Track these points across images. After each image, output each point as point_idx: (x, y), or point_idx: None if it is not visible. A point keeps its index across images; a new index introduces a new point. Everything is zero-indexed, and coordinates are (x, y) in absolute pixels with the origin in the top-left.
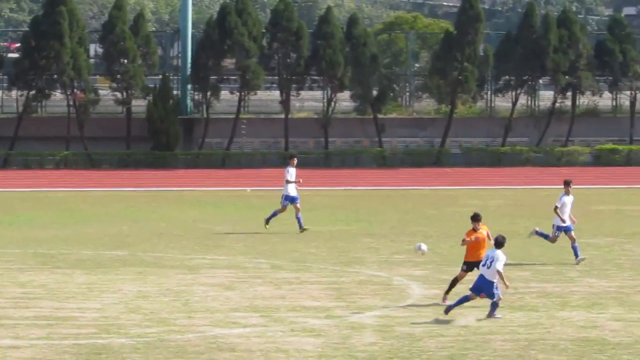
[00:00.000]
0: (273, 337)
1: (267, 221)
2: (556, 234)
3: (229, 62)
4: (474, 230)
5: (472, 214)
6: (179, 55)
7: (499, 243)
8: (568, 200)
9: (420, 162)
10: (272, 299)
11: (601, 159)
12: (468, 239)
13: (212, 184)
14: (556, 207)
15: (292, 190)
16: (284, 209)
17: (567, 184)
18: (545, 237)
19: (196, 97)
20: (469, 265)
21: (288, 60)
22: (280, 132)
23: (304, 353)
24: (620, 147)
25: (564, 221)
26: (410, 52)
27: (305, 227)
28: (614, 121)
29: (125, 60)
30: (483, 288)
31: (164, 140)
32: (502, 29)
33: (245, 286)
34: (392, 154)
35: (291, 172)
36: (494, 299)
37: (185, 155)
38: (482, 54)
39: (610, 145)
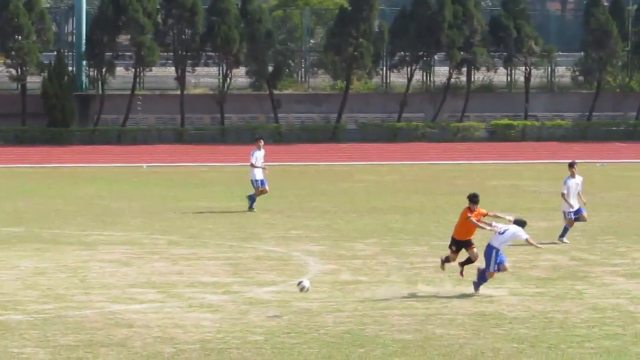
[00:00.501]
0: (171, 313)
1: (251, 208)
2: (572, 217)
3: (123, 39)
4: (470, 210)
5: (471, 194)
6: (74, 31)
7: (521, 222)
8: (573, 183)
9: (316, 138)
10: (169, 275)
11: (496, 135)
12: (476, 219)
13: (108, 160)
14: (563, 194)
15: (258, 174)
16: (258, 191)
17: (571, 165)
18: (565, 230)
19: (91, 73)
20: (458, 245)
21: (183, 36)
22: (176, 108)
23: (201, 329)
24: (515, 123)
25: (571, 205)
26: (305, 28)
27: (254, 209)
28: (509, 97)
29: (20, 37)
30: (486, 253)
31: (59, 116)
32: (397, 5)
33: (143, 262)
34: (288, 130)
35: (256, 156)
36: (487, 269)
37: (80, 132)
38: (377, 30)
39: (505, 121)
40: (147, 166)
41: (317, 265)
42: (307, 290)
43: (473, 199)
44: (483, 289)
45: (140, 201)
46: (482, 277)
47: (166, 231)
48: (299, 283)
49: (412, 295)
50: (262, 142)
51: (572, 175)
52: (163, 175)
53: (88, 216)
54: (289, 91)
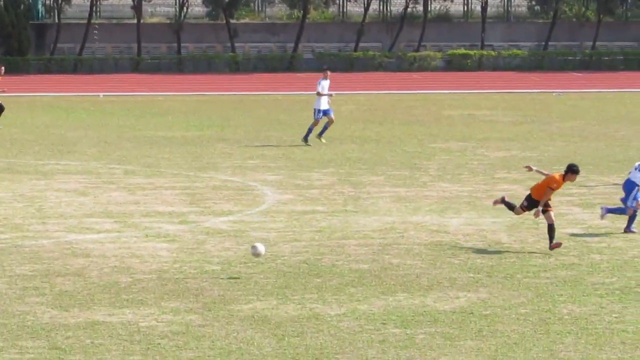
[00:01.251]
0: (127, 243)
1: (306, 139)
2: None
3: None
4: (563, 180)
5: (576, 167)
6: None
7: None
8: None
9: (272, 68)
10: (126, 205)
11: (453, 64)
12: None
13: (65, 89)
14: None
15: (323, 103)
16: (316, 122)
17: None
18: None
19: (47, 2)
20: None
21: None
22: (133, 37)
23: (158, 258)
24: (471, 52)
25: None
26: None
27: (310, 143)
28: (466, 26)
29: None
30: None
31: (15, 45)
32: None
33: (99, 192)
34: (245, 60)
35: (323, 85)
36: (626, 204)
37: (37, 61)
38: None
39: (461, 51)
40: (104, 95)
41: (274, 195)
42: (260, 254)
43: (575, 170)
44: (439, 218)
45: (97, 130)
46: (621, 212)
47: (123, 160)
48: (255, 250)
49: (369, 225)
50: (329, 72)
51: None
52: (120, 104)
53: (44, 145)
54: (246, 20)
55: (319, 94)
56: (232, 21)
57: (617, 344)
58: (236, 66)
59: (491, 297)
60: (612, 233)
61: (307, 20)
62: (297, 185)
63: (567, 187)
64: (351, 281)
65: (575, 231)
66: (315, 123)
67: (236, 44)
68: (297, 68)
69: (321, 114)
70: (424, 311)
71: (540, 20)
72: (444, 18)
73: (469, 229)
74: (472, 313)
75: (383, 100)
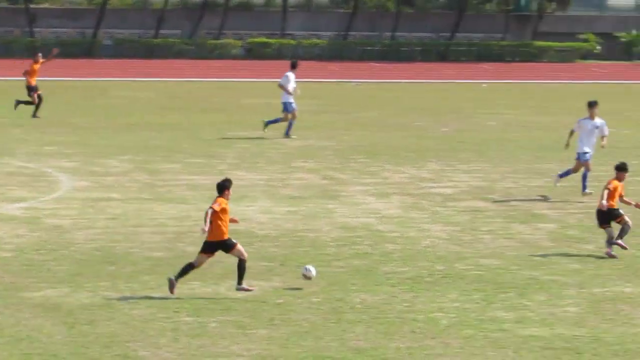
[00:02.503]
0: None
1: (266, 126)
2: (586, 159)
3: None
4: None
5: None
6: None
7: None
8: (590, 124)
9: (71, 53)
10: None
11: (253, 52)
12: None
13: None
14: (572, 132)
15: (291, 96)
16: (294, 114)
17: (591, 105)
18: (567, 173)
19: None
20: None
21: None
22: None
23: None
24: (271, 41)
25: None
26: None
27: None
28: (267, 15)
29: None
30: None
31: None
32: None
33: None
34: (44, 45)
35: (289, 77)
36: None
37: None
38: None
39: (262, 39)
40: None
41: (69, 181)
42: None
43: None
44: (234, 207)
45: None
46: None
47: None
48: (307, 272)
49: (164, 213)
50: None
51: (592, 117)
52: None
53: None
54: (46, 5)
55: (282, 87)
56: (32, 6)
57: (407, 332)
58: (35, 51)
59: (284, 285)
60: (406, 223)
61: (107, 7)
62: (93, 172)
63: (362, 177)
64: (145, 269)
65: (369, 221)
66: (293, 115)
67: (35, 29)
68: (96, 54)
69: (292, 106)
70: (217, 300)
71: (341, 10)
72: (245, 6)
73: (263, 217)
74: (265, 302)
75: (182, 88)
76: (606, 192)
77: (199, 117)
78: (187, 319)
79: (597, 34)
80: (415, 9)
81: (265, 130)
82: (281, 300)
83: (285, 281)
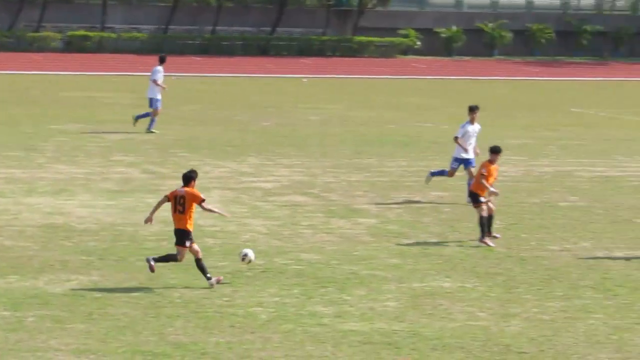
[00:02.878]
0: None
1: (136, 121)
2: (454, 166)
3: None
4: (491, 163)
5: (494, 147)
6: None
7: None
8: (472, 129)
9: None
10: None
11: (73, 45)
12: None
13: None
14: (456, 138)
15: (159, 92)
16: (156, 111)
17: (472, 110)
18: (442, 173)
19: None
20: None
21: None
22: None
23: None
24: (91, 34)
25: (466, 151)
26: None
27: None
28: (87, 8)
29: None
30: None
31: None
32: None
33: None
34: None
35: (161, 73)
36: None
37: None
38: None
39: (81, 32)
40: None
41: None
42: (250, 260)
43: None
44: (53, 201)
45: None
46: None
47: None
48: (245, 256)
49: None
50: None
51: (472, 122)
52: None
53: None
54: None
55: (155, 82)
56: None
57: (227, 327)
58: None
59: (103, 280)
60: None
61: None
62: None
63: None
64: None
65: None
66: (156, 112)
67: None
68: None
69: (158, 102)
70: (35, 294)
71: (162, 4)
72: None
73: (82, 212)
74: (83, 296)
75: (1, 81)
76: (482, 177)
77: (16, 110)
78: (5, 313)
79: (417, 30)
80: (236, 3)
81: (135, 124)
82: (100, 295)
83: (104, 275)
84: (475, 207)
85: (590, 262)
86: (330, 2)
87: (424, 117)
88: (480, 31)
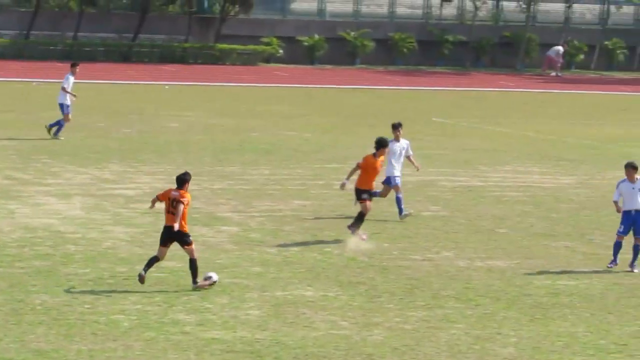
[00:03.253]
0: None
1: (49, 130)
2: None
3: None
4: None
5: (380, 139)
6: None
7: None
8: (397, 147)
9: None
10: None
11: None
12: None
13: None
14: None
15: (69, 98)
16: (67, 117)
17: (395, 127)
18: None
19: None
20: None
21: None
22: None
23: None
24: None
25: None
26: None
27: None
28: None
29: None
30: None
31: None
32: None
33: None
34: None
35: (71, 81)
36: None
37: None
38: None
39: None
40: None
41: None
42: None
43: (384, 144)
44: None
45: None
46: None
47: None
48: (209, 278)
49: None
50: (78, 69)
51: (397, 139)
52: None
53: None
54: None
55: (64, 90)
56: None
57: (89, 334)
58: None
59: None
60: (88, 224)
61: None
62: None
63: (44, 177)
64: None
65: (51, 222)
66: (67, 118)
67: None
68: None
69: (69, 109)
70: None
71: (23, 9)
72: None
73: None
74: None
75: None
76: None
77: None
78: None
79: (279, 38)
80: (97, 9)
81: (51, 134)
82: None
83: None
84: (360, 202)
85: (452, 272)
86: (193, 10)
87: (286, 125)
88: (342, 40)
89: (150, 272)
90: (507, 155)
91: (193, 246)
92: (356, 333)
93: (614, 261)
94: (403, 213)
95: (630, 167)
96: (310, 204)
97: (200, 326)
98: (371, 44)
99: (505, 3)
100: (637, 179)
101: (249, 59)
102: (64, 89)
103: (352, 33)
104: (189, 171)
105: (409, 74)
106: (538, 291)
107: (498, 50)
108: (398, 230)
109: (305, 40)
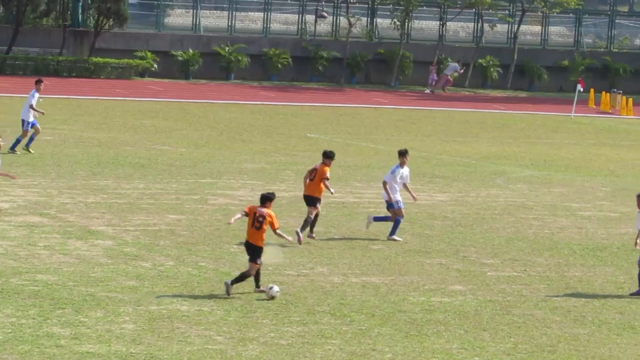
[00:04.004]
0: None
1: (13, 149)
2: (400, 206)
3: None
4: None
5: (328, 151)
6: None
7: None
8: (403, 173)
9: None
10: None
11: None
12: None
13: None
14: (385, 182)
15: (32, 114)
16: (25, 133)
17: (402, 154)
18: (386, 219)
19: None
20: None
21: None
22: None
23: None
24: None
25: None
26: None
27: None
28: None
29: None
30: None
31: None
32: None
33: None
34: None
35: (37, 97)
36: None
37: None
38: None
39: None
40: None
41: None
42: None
43: (330, 155)
44: None
45: None
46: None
47: None
48: (271, 289)
49: None
50: (42, 86)
51: (402, 165)
52: None
53: None
54: None
55: (32, 107)
56: None
57: None
58: None
59: None
60: None
61: None
62: None
63: None
64: None
65: None
66: (24, 134)
67: None
68: None
69: (29, 125)
70: None
71: None
72: None
73: None
74: None
75: None
76: (327, 182)
77: None
78: None
79: (154, 52)
80: None
81: (30, 149)
82: None
83: None
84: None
85: (327, 288)
86: (67, 23)
87: (161, 139)
88: (217, 55)
89: (25, 285)
90: (381, 172)
91: (258, 266)
92: (231, 348)
93: None
94: (392, 236)
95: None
96: (185, 219)
97: (75, 340)
98: (246, 59)
99: (379, 20)
100: None
101: (123, 73)
102: (31, 106)
103: (227, 48)
104: (274, 192)
105: (284, 90)
106: (413, 307)
107: (372, 67)
108: None
109: (179, 54)
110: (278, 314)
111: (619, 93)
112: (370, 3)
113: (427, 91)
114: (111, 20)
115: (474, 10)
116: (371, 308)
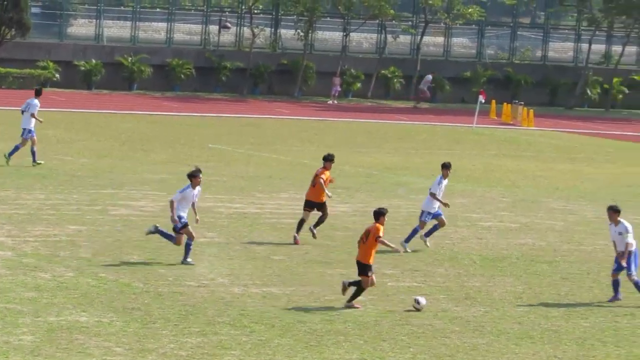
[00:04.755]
0: None
1: (9, 156)
2: (426, 219)
3: None
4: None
5: (327, 155)
6: None
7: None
8: (444, 185)
9: None
10: None
11: None
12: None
13: None
14: (433, 194)
15: (33, 123)
16: (24, 141)
17: (445, 167)
18: (414, 232)
19: None
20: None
21: None
22: None
23: None
24: None
25: (446, 205)
26: None
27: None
28: None
29: None
30: None
31: None
32: None
33: None
34: None
35: (36, 105)
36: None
37: None
38: None
39: None
40: None
41: None
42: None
43: (331, 159)
44: None
45: None
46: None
47: None
48: (418, 302)
49: None
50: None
51: (445, 176)
52: None
53: None
54: None
55: (33, 116)
56: None
57: None
58: None
59: None
60: None
61: None
62: None
63: None
64: None
65: None
66: (24, 142)
67: None
68: None
69: (31, 133)
70: None
71: None
72: None
73: None
74: None
75: None
76: (322, 181)
77: None
78: None
79: (56, 62)
80: None
81: (10, 158)
82: None
83: None
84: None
85: (227, 299)
86: None
87: (62, 150)
88: (120, 65)
89: None
90: (283, 182)
91: (369, 278)
92: (130, 359)
93: None
94: (406, 245)
95: None
96: (86, 229)
97: None
98: (149, 70)
99: (283, 31)
100: None
101: (24, 83)
102: (32, 115)
103: (130, 58)
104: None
105: (186, 100)
106: (313, 318)
107: (276, 78)
108: (174, 256)
109: (82, 64)
110: (178, 324)
111: (521, 104)
112: (274, 14)
113: (330, 102)
114: (13, 29)
115: (377, 21)
116: (271, 319)
